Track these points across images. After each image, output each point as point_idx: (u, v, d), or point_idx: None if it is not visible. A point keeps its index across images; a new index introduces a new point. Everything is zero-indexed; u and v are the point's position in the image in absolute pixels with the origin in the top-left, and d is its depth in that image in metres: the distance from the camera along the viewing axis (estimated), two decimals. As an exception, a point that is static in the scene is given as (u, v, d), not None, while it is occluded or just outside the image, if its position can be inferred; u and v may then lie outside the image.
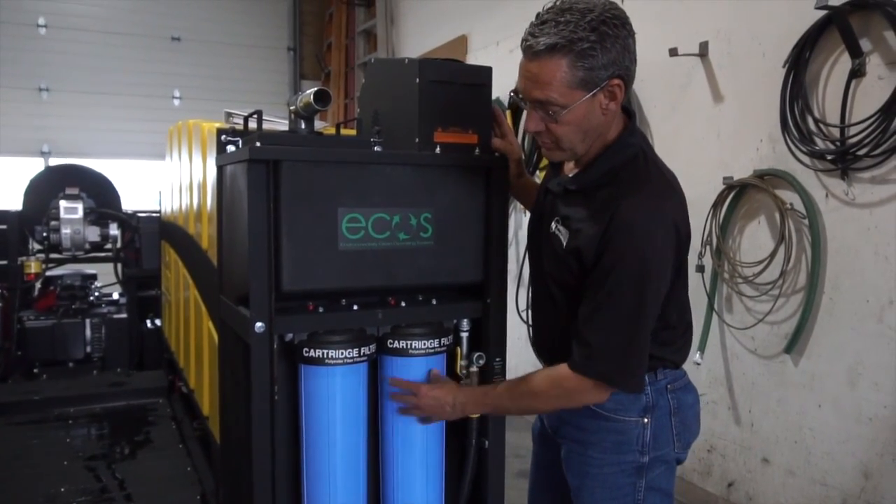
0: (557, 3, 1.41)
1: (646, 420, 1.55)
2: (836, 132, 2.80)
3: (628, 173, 1.46)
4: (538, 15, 1.41)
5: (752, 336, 3.23)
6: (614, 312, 1.41)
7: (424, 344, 1.74)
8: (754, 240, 3.21)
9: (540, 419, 1.79)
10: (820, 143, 2.86)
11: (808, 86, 2.91)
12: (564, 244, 1.51)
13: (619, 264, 1.39)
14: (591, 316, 1.44)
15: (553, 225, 1.57)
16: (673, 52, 3.46)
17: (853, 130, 2.71)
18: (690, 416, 1.63)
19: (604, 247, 1.41)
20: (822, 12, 2.76)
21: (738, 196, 3.26)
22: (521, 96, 1.49)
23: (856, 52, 2.68)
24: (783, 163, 3.03)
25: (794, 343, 3.00)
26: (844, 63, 2.77)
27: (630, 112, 1.56)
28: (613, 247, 1.39)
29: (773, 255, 3.05)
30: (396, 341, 1.74)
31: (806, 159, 2.92)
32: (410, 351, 1.73)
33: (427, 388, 1.68)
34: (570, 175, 1.57)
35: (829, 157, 2.82)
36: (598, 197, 1.47)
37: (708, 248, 3.34)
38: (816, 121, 2.87)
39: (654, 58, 3.71)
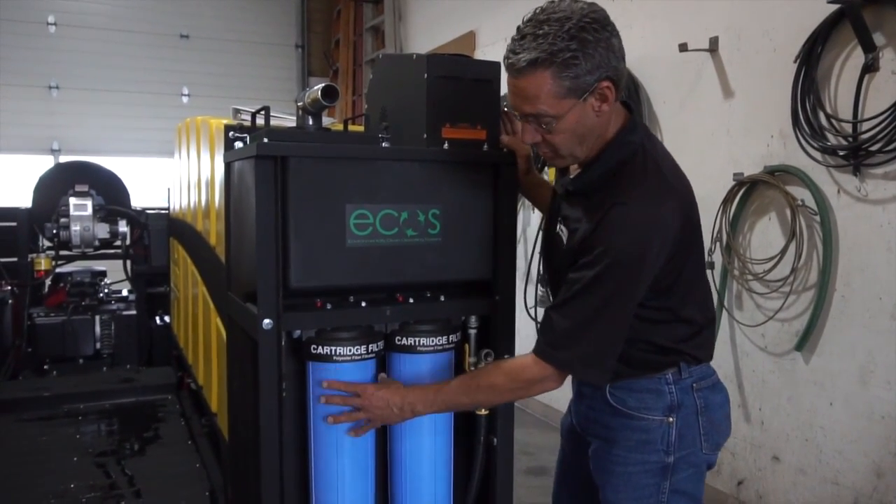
0: (536, 13, 1.40)
1: (671, 419, 1.53)
2: (848, 128, 2.78)
3: (626, 173, 1.46)
4: (518, 29, 1.41)
5: (762, 333, 3.21)
6: (586, 303, 1.41)
7: (433, 341, 1.73)
8: (765, 236, 3.19)
9: (569, 415, 1.78)
10: (832, 139, 2.83)
11: (819, 81, 2.88)
12: (565, 243, 1.53)
13: (601, 258, 1.38)
14: (562, 303, 1.45)
15: (557, 225, 1.59)
16: (683, 48, 3.44)
17: (866, 126, 2.68)
18: (719, 415, 1.60)
19: (590, 242, 1.41)
20: (835, 6, 2.74)
21: (748, 192, 3.23)
22: (514, 111, 1.50)
23: (869, 47, 2.65)
24: (794, 159, 3.01)
25: (805, 340, 2.97)
26: (857, 58, 2.74)
27: (629, 107, 1.55)
28: (598, 242, 1.39)
29: (783, 251, 3.02)
30: (404, 338, 1.73)
31: (817, 155, 2.90)
32: (419, 348, 1.73)
33: (373, 388, 1.62)
34: (572, 176, 1.58)
35: (841, 153, 2.79)
36: (595, 197, 1.47)
37: (718, 244, 3.32)
38: (828, 116, 2.84)
39: (663, 53, 3.68)
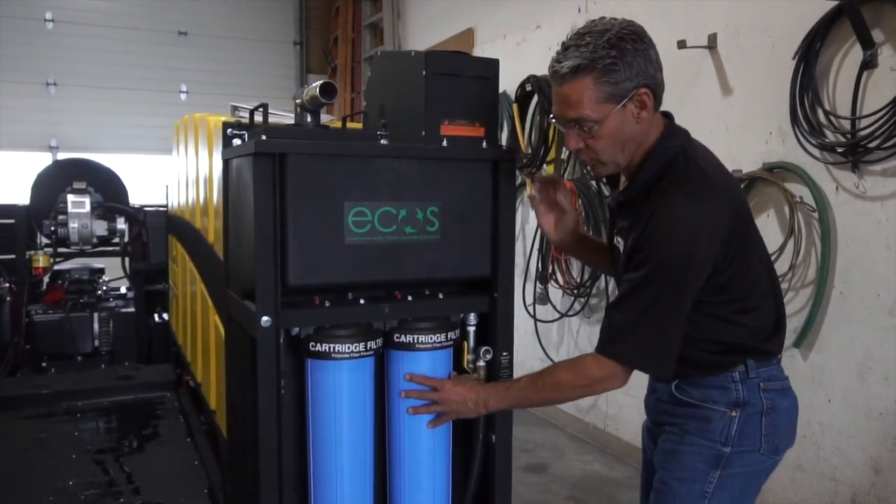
0: (580, 29, 1.49)
1: (733, 413, 1.55)
2: (846, 124, 2.78)
3: (668, 176, 1.51)
4: (562, 43, 1.50)
5: (760, 330, 3.21)
6: (639, 300, 1.46)
7: (431, 338, 1.73)
8: (763, 233, 3.15)
9: (647, 413, 1.79)
10: (830, 136, 2.83)
11: (818, 77, 2.88)
12: (622, 253, 1.59)
13: (651, 258, 1.44)
14: (618, 301, 1.51)
15: (615, 238, 1.65)
16: (681, 45, 3.44)
17: (864, 122, 2.68)
18: (784, 420, 1.60)
19: (640, 245, 1.47)
20: (833, 3, 2.74)
21: (746, 189, 3.23)
22: (557, 119, 1.55)
23: (867, 43, 2.65)
24: (793, 156, 3.01)
25: (804, 337, 2.98)
26: (855, 54, 2.74)
27: (668, 114, 1.60)
28: (647, 244, 1.45)
29: (782, 248, 3.02)
30: (403, 335, 1.73)
31: (816, 152, 2.90)
32: (417, 345, 1.73)
33: (451, 384, 1.71)
34: (622, 189, 1.63)
35: (839, 150, 2.79)
36: (643, 203, 1.51)
37: (716, 241, 3.32)
38: (827, 113, 2.84)
39: (662, 50, 3.65)
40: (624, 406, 4.04)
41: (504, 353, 1.84)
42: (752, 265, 1.55)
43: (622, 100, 1.45)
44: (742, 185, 3.22)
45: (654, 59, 1.49)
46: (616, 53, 1.42)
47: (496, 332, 1.83)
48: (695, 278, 1.45)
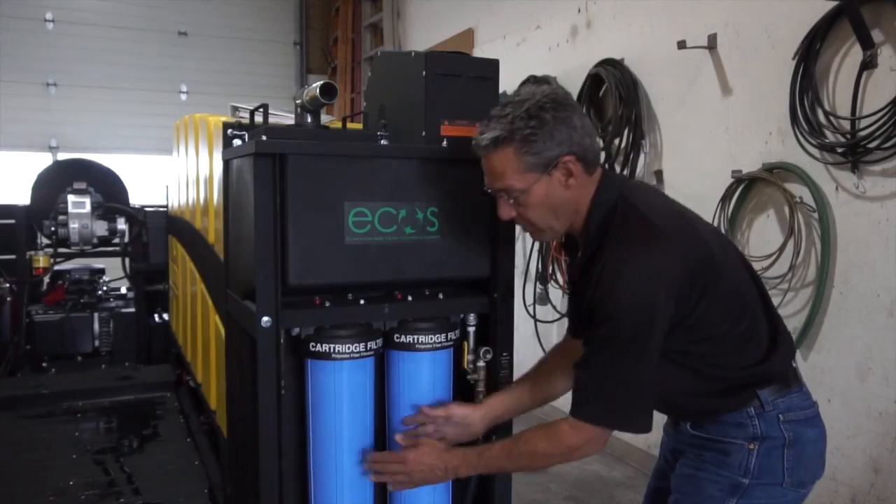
0: (503, 100, 1.51)
1: (752, 446, 1.50)
2: (846, 125, 2.78)
3: (612, 230, 1.48)
4: (488, 114, 1.51)
5: (760, 330, 3.21)
6: (606, 358, 1.43)
7: (431, 339, 1.73)
8: (763, 234, 3.19)
9: (665, 436, 1.75)
10: (830, 136, 2.84)
11: (818, 78, 2.88)
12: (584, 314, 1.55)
13: (607, 316, 1.41)
14: (584, 362, 1.47)
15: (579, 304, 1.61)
16: (681, 45, 3.44)
17: (864, 123, 2.68)
18: (810, 452, 1.54)
19: (594, 305, 1.44)
20: (833, 3, 2.74)
21: (746, 190, 3.24)
22: (489, 189, 1.55)
23: (867, 44, 2.65)
24: (792, 156, 3.01)
25: (804, 337, 2.98)
26: (855, 55, 2.74)
27: (603, 167, 1.58)
28: (600, 303, 1.42)
29: (782, 248, 3.03)
30: (403, 336, 1.73)
31: (816, 152, 2.90)
32: (417, 346, 1.73)
33: (415, 456, 1.63)
34: (580, 256, 1.59)
35: (839, 150, 2.79)
36: (593, 262, 1.49)
37: (716, 241, 3.32)
38: (826, 113, 2.84)
39: (662, 51, 3.68)
40: (624, 406, 4.04)
41: (504, 354, 1.84)
42: (728, 298, 1.48)
43: (546, 168, 1.45)
44: (742, 185, 3.22)
45: (580, 125, 1.47)
46: (535, 123, 1.43)
47: (496, 332, 1.83)
48: (656, 328, 1.40)
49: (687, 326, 1.45)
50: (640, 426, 1.45)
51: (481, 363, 1.81)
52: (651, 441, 3.83)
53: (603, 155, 4.02)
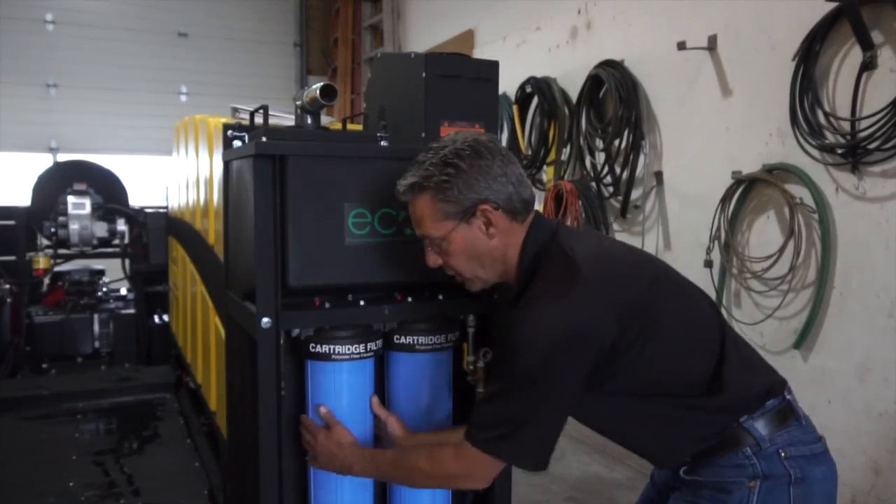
0: (428, 145, 1.50)
1: (752, 484, 1.39)
2: (846, 126, 2.78)
3: (539, 270, 1.45)
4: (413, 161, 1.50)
5: (760, 331, 3.21)
6: (509, 392, 1.38)
7: (431, 339, 1.73)
8: (763, 235, 3.19)
9: (654, 475, 1.67)
10: (830, 137, 2.84)
11: (818, 79, 2.88)
12: None
13: (515, 354, 1.37)
14: (487, 393, 1.44)
15: None
16: (681, 46, 3.44)
17: (864, 124, 2.68)
18: (818, 492, 1.43)
19: (508, 342, 1.41)
20: (833, 4, 2.74)
21: (746, 191, 3.24)
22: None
23: (867, 45, 2.65)
24: (792, 157, 3.01)
25: (804, 338, 2.98)
26: (855, 56, 2.74)
27: (536, 212, 1.54)
28: (510, 342, 1.39)
29: (782, 249, 3.03)
30: (403, 337, 1.73)
31: (816, 153, 2.90)
32: (417, 347, 1.73)
33: (324, 437, 1.63)
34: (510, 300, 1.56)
35: (839, 151, 2.79)
36: (519, 300, 1.47)
37: (716, 243, 3.32)
38: (826, 114, 2.84)
39: (662, 52, 3.69)
40: (624, 407, 4.04)
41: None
42: (670, 343, 1.40)
43: (464, 216, 1.44)
44: (742, 186, 3.22)
45: (502, 174, 1.44)
46: (451, 171, 1.41)
47: (496, 333, 1.83)
48: (565, 370, 1.35)
49: (629, 371, 1.39)
50: (534, 463, 1.40)
51: (481, 364, 1.80)
52: (651, 442, 3.83)
53: (603, 156, 4.03)
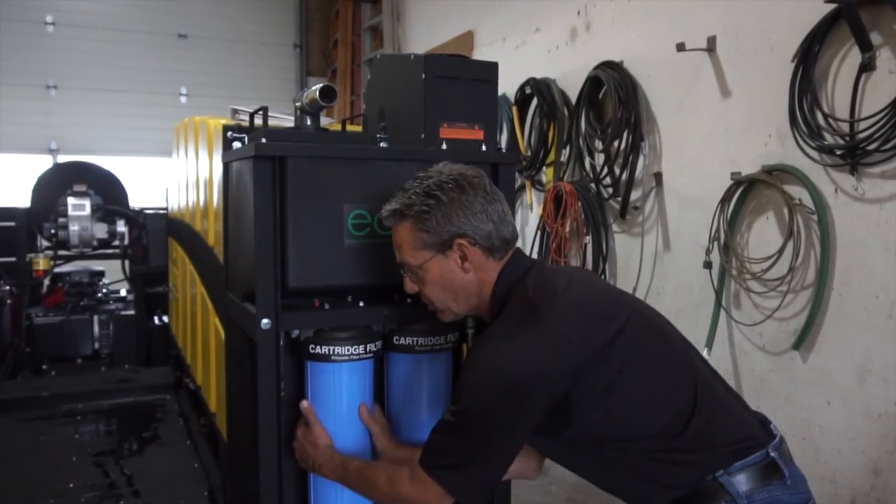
0: (417, 174, 1.52)
1: None
2: (845, 127, 2.78)
3: (503, 311, 1.45)
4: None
5: (760, 332, 3.21)
6: (456, 428, 1.39)
7: (431, 341, 1.73)
8: (762, 236, 3.20)
9: None
10: (829, 138, 2.84)
11: (817, 80, 2.89)
12: None
13: (466, 391, 1.38)
14: (440, 423, 1.44)
15: None
16: (680, 47, 3.44)
17: (863, 125, 2.68)
18: None
19: (460, 374, 1.42)
20: (832, 6, 2.74)
21: (746, 192, 3.24)
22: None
23: (866, 46, 2.66)
24: (792, 158, 3.01)
25: (803, 339, 2.98)
26: (854, 57, 2.75)
27: (516, 249, 1.54)
28: (462, 374, 1.40)
29: (781, 250, 3.03)
30: (402, 338, 1.73)
31: (815, 154, 2.90)
32: (416, 348, 1.73)
33: (301, 434, 1.66)
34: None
35: (838, 152, 2.79)
36: None
37: (716, 244, 3.32)
38: (826, 115, 2.85)
39: (661, 53, 3.69)
40: (624, 408, 4.04)
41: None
42: (632, 391, 1.38)
43: (441, 248, 1.45)
44: (741, 188, 3.22)
45: (481, 210, 1.44)
46: (432, 202, 1.43)
47: (495, 334, 1.83)
48: (514, 411, 1.33)
49: (587, 420, 1.37)
50: (476, 501, 1.40)
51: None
52: (651, 443, 3.82)
53: (602, 157, 4.03)
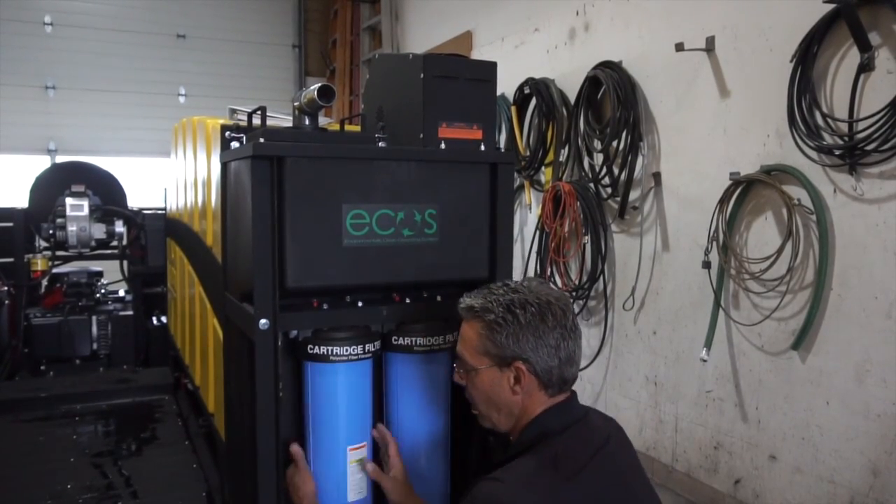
0: (510, 283, 1.52)
1: None
2: (844, 127, 2.78)
3: (529, 451, 1.41)
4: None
5: (759, 333, 3.21)
6: None
7: (429, 341, 1.73)
8: (761, 236, 3.20)
9: None
10: (828, 138, 2.84)
11: (815, 80, 2.89)
12: None
13: None
14: None
15: None
16: (679, 47, 3.45)
17: (862, 125, 2.69)
18: None
19: None
20: (831, 6, 2.74)
21: (744, 192, 3.24)
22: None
23: (864, 46, 2.66)
24: (790, 158, 3.01)
25: (802, 339, 2.98)
26: (853, 57, 2.75)
27: (571, 392, 1.51)
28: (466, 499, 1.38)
29: (780, 251, 3.03)
30: (401, 338, 1.73)
31: (813, 154, 2.90)
32: (415, 348, 1.73)
33: (291, 473, 1.68)
34: None
35: (837, 153, 2.80)
36: None
37: (714, 244, 3.32)
38: (824, 115, 2.85)
39: (660, 53, 3.69)
40: (622, 408, 4.04)
41: None
42: None
43: (499, 362, 1.44)
44: (740, 188, 3.22)
45: (553, 345, 1.42)
46: (509, 318, 1.42)
47: (494, 334, 1.83)
48: None
49: None
50: None
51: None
52: (650, 442, 3.83)
53: (601, 157, 4.03)
